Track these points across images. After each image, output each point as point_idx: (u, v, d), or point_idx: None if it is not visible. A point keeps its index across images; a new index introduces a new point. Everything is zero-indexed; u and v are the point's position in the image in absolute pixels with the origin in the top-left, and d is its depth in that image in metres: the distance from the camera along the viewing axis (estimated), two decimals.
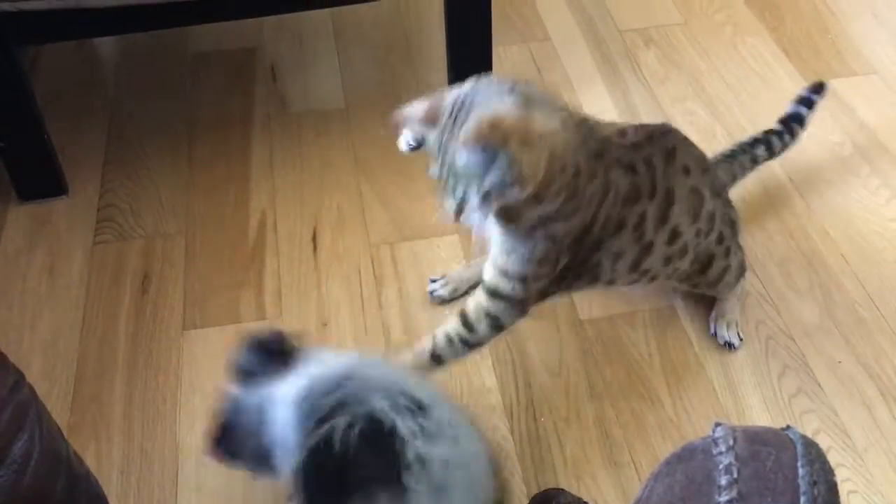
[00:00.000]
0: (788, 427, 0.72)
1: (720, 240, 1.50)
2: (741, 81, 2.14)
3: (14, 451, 0.75)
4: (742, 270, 1.61)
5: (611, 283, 1.42)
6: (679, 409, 1.50)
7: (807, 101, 1.77)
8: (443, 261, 1.76)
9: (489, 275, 1.30)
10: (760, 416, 1.49)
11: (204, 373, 1.58)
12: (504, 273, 1.28)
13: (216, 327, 1.66)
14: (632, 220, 1.31)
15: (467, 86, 1.15)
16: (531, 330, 1.62)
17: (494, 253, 1.29)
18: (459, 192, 1.14)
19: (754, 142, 1.71)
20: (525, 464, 1.43)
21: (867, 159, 1.93)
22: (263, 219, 1.87)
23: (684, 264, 1.47)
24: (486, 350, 1.59)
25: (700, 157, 1.47)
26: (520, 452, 1.45)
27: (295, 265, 1.77)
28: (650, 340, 1.61)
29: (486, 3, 1.92)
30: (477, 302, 1.32)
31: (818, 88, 1.78)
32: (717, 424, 0.70)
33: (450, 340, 1.35)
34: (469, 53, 1.95)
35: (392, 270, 1.75)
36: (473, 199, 1.13)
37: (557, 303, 1.63)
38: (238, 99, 2.17)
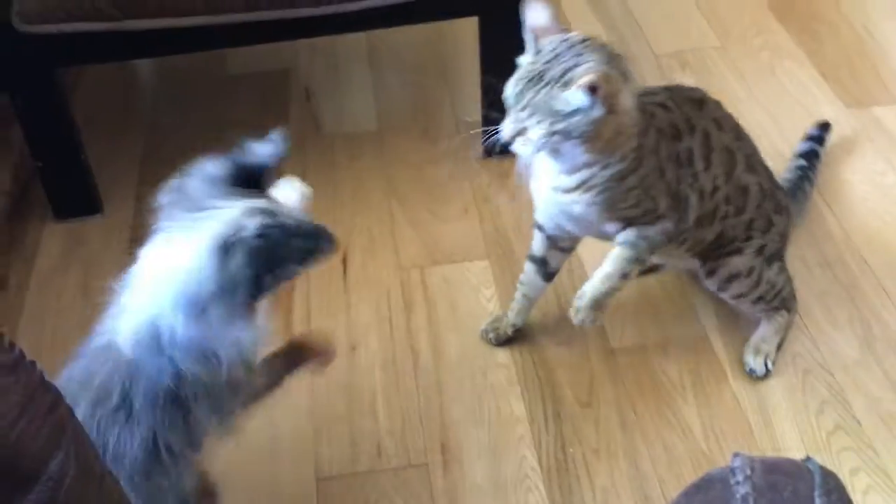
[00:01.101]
0: (808, 458, 0.71)
1: (749, 228, 1.48)
2: (779, 106, 2.10)
3: (51, 468, 0.76)
4: (783, 298, 1.57)
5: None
6: (712, 443, 1.47)
7: (817, 139, 1.76)
8: (472, 286, 1.75)
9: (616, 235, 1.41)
10: (797, 452, 1.45)
11: None
12: (621, 226, 1.40)
13: None
14: (683, 156, 1.38)
15: (580, 36, 1.27)
16: (561, 358, 1.60)
17: (596, 227, 1.42)
18: (530, 121, 1.24)
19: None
20: (553, 496, 1.40)
21: None
22: None
23: (709, 234, 1.46)
24: (514, 377, 1.57)
25: (735, 125, 1.49)
26: (547, 484, 1.42)
27: (324, 287, 1.77)
28: (683, 371, 1.58)
29: (519, 28, 1.92)
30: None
31: (825, 127, 1.79)
32: (736, 455, 0.70)
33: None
34: (504, 78, 1.94)
35: (422, 295, 1.74)
36: (541, 132, 1.23)
37: (588, 330, 1.61)
38: (272, 120, 2.17)
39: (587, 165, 1.32)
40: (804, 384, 1.55)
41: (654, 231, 1.39)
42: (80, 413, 1.00)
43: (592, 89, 1.20)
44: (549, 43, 1.26)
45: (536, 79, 1.24)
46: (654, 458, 1.44)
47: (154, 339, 1.03)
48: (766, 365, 1.56)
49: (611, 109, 1.23)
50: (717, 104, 1.49)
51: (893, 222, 1.81)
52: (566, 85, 1.21)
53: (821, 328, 1.63)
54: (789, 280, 1.58)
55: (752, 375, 1.55)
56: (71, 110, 1.85)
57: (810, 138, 1.83)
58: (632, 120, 1.30)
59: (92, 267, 1.84)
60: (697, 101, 1.46)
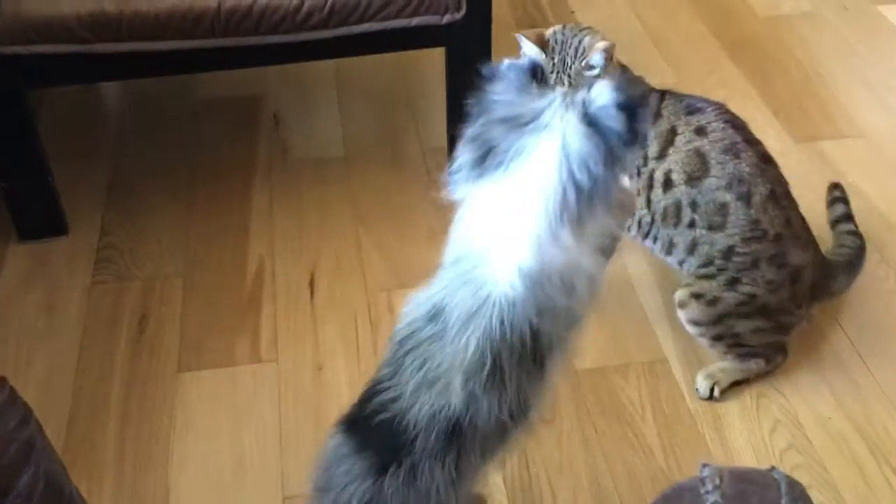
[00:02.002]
0: (773, 468, 0.74)
1: (726, 257, 1.51)
2: None
3: (20, 484, 0.76)
4: (752, 348, 1.58)
5: (648, 227, 1.60)
6: (671, 462, 1.51)
7: (840, 200, 1.79)
8: None
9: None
10: None
11: (198, 415, 1.58)
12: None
13: (211, 370, 1.66)
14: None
15: (560, 27, 1.53)
16: None
17: None
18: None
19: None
20: None
21: (858, 221, 1.96)
22: (262, 264, 1.89)
23: (679, 239, 1.55)
24: None
25: (731, 144, 1.51)
26: (512, 501, 1.45)
27: (292, 310, 1.78)
28: (643, 392, 1.62)
29: (486, 58, 1.98)
30: None
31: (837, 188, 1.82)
32: (705, 465, 0.72)
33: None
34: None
35: (389, 317, 1.76)
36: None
37: None
38: (240, 145, 2.21)
39: None
40: (758, 405, 1.60)
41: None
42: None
43: (607, 55, 1.46)
44: (550, 39, 1.51)
45: (559, 66, 1.49)
46: (616, 476, 1.48)
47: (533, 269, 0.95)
48: (711, 391, 1.59)
49: (613, 68, 1.49)
50: (724, 128, 1.54)
51: None
52: (584, 56, 1.47)
53: None
54: (772, 338, 1.59)
55: (696, 393, 1.60)
56: (37, 131, 1.85)
57: (837, 200, 1.81)
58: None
59: (56, 287, 1.83)
60: (694, 110, 1.56)
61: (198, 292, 1.82)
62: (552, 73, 1.49)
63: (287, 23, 1.78)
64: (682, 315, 1.59)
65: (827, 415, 1.58)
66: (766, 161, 1.56)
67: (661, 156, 1.55)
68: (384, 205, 2.02)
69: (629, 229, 1.64)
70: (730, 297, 1.53)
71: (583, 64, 1.48)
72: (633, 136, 0.98)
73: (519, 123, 0.98)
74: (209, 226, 1.98)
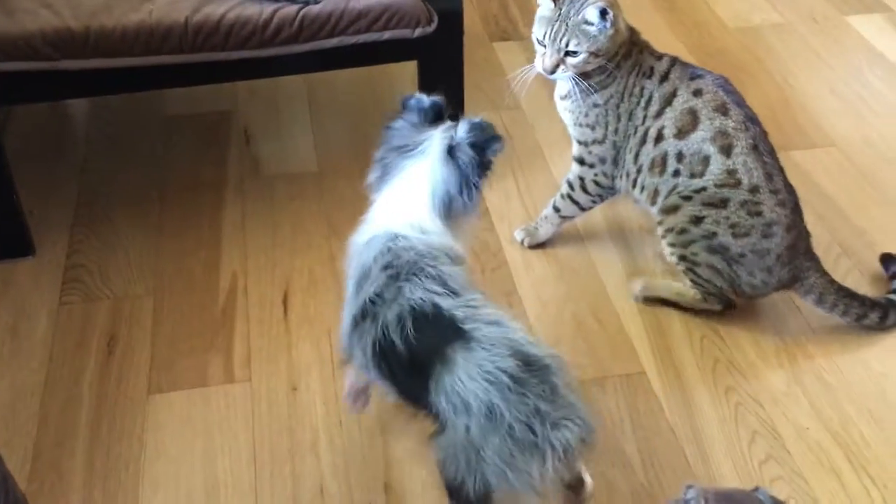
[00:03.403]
0: (757, 488, 0.74)
1: (698, 195, 1.63)
2: None
3: None
4: (702, 284, 1.71)
5: (635, 176, 1.73)
6: (651, 476, 1.50)
7: None
8: None
9: (573, 149, 1.81)
10: (731, 482, 1.48)
11: (169, 438, 1.55)
12: (577, 142, 1.79)
13: (182, 391, 1.63)
14: (644, 95, 1.68)
15: None
16: None
17: (570, 131, 1.80)
18: (573, 45, 1.64)
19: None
20: None
21: (828, 229, 1.98)
22: (234, 282, 1.86)
23: (655, 181, 1.68)
24: None
25: (721, 104, 1.64)
26: None
27: (265, 328, 1.76)
28: (621, 405, 1.61)
29: (458, 71, 1.97)
30: (571, 171, 1.83)
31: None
32: (689, 486, 0.72)
33: (556, 208, 1.87)
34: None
35: None
36: (581, 55, 1.65)
37: None
38: (211, 162, 2.18)
39: (580, 77, 1.68)
40: (736, 416, 1.59)
41: (589, 175, 1.79)
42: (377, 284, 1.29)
43: (603, 12, 1.60)
44: None
45: (563, 16, 1.64)
46: (596, 490, 1.46)
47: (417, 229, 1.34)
48: (640, 292, 1.78)
49: (613, 26, 1.63)
50: (717, 91, 1.65)
51: (821, 257, 1.89)
52: (582, 11, 1.62)
53: (749, 360, 1.69)
54: (723, 284, 1.69)
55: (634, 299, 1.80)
56: (2, 149, 1.81)
57: None
58: (621, 38, 1.67)
59: (22, 309, 1.79)
60: (696, 76, 1.67)
61: (168, 311, 1.79)
62: (556, 22, 1.65)
63: (256, 38, 1.77)
64: (659, 232, 1.75)
65: (805, 424, 1.58)
66: (752, 121, 1.66)
67: (659, 114, 1.67)
68: (357, 219, 1.98)
69: (616, 186, 1.79)
70: (695, 231, 1.66)
71: (579, 17, 1.62)
72: (482, 169, 1.36)
73: (406, 150, 1.38)
74: (180, 243, 1.94)
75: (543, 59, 1.69)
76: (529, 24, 2.65)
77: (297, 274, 1.88)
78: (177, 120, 2.31)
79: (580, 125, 1.76)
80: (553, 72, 1.69)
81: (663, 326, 1.77)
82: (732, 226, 1.64)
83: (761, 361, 1.69)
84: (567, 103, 1.77)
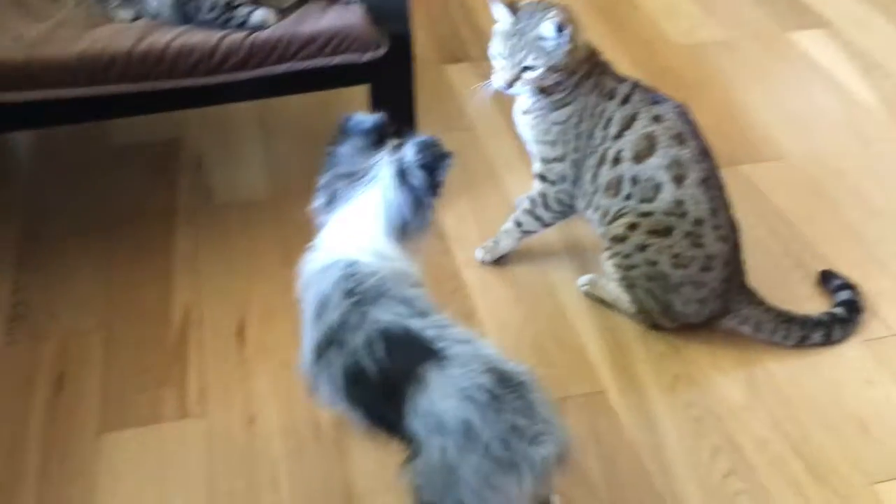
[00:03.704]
0: None
1: (635, 215, 1.65)
2: None
3: None
4: (644, 309, 1.73)
5: (590, 197, 1.74)
6: (615, 494, 1.49)
7: (849, 287, 1.81)
8: None
9: (534, 166, 1.82)
10: (695, 498, 1.49)
11: (122, 478, 1.50)
12: (539, 158, 1.80)
13: (136, 429, 1.59)
14: (605, 116, 1.69)
15: (543, 3, 1.69)
16: None
17: (531, 148, 1.81)
18: (530, 61, 1.65)
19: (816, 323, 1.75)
20: None
21: (779, 240, 2.01)
22: (187, 313, 1.82)
23: (608, 202, 1.69)
24: None
25: (678, 133, 1.65)
26: None
27: (220, 360, 1.72)
28: (583, 425, 1.61)
29: (409, 94, 1.97)
30: (533, 188, 1.83)
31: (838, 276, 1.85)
32: None
33: (518, 223, 1.89)
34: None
35: None
36: (538, 70, 1.66)
37: None
38: (162, 191, 2.14)
39: (540, 93, 1.70)
40: (697, 431, 1.60)
41: (551, 191, 1.79)
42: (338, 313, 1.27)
43: (560, 27, 1.62)
44: (522, 9, 1.67)
45: (520, 32, 1.65)
46: None
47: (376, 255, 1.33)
48: (585, 285, 1.84)
49: (571, 41, 1.65)
50: (677, 113, 1.68)
51: (766, 272, 1.92)
52: (537, 26, 1.64)
53: (707, 375, 1.70)
54: (655, 308, 1.72)
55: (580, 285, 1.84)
56: None
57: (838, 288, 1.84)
58: (581, 54, 1.69)
59: None
60: (657, 101, 1.69)
61: (119, 346, 1.74)
62: (513, 37, 1.66)
63: (203, 65, 1.74)
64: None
65: (765, 437, 1.59)
66: (706, 155, 1.68)
67: (618, 136, 1.68)
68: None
69: (576, 205, 1.80)
70: (639, 256, 1.68)
71: (536, 32, 1.64)
72: (434, 189, 1.35)
73: (355, 176, 1.36)
74: (130, 275, 1.90)
75: (501, 74, 1.70)
76: (479, 45, 2.67)
77: (253, 302, 1.84)
78: (125, 150, 2.27)
79: (541, 142, 1.77)
80: (511, 86, 1.70)
81: (622, 344, 1.77)
82: (674, 256, 1.66)
83: (720, 375, 1.70)
84: (528, 119, 1.77)
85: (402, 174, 1.34)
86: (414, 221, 1.35)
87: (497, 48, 1.70)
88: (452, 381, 1.17)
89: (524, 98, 1.76)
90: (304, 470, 1.52)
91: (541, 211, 1.84)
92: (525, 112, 1.78)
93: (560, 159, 1.76)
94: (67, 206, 2.10)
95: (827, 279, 1.86)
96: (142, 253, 1.96)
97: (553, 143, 1.75)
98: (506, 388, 1.17)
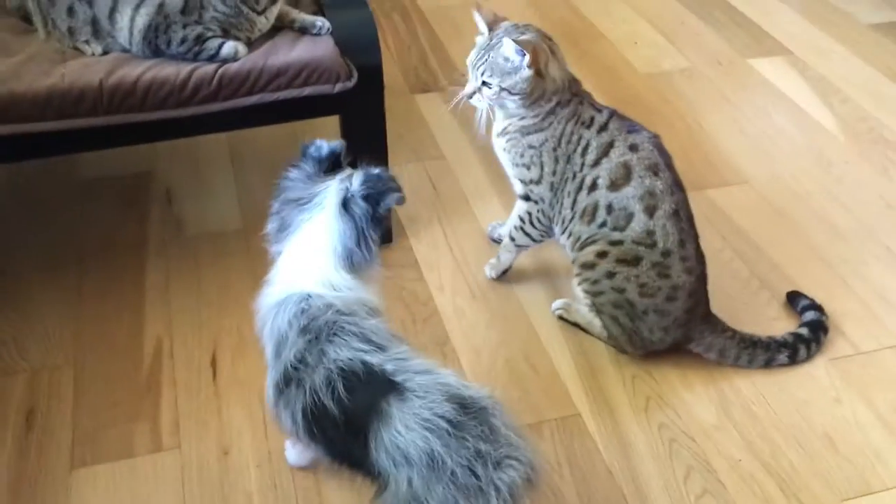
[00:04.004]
0: None
1: (605, 243, 1.68)
2: None
3: None
4: (608, 328, 1.76)
5: (567, 223, 1.76)
6: None
7: (817, 308, 1.85)
8: None
9: (516, 187, 1.84)
10: None
11: None
12: (516, 180, 1.82)
13: (108, 464, 1.57)
14: (581, 143, 1.71)
15: (520, 23, 1.74)
16: None
17: (508, 170, 1.84)
18: (486, 76, 1.69)
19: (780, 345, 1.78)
20: None
21: (746, 263, 2.05)
22: (159, 345, 1.81)
23: (582, 229, 1.71)
24: None
25: (654, 164, 1.67)
26: None
27: (193, 392, 1.71)
28: (559, 450, 1.62)
29: (380, 124, 1.99)
30: (519, 207, 1.86)
31: (806, 297, 1.89)
32: None
33: (511, 238, 1.91)
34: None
35: None
36: (495, 88, 1.69)
37: None
38: (132, 224, 2.13)
39: (512, 116, 1.73)
40: (670, 452, 1.61)
41: (535, 210, 1.81)
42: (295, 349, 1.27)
43: (522, 52, 1.63)
44: (501, 25, 1.72)
45: (488, 48, 1.69)
46: None
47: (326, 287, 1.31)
48: (560, 311, 1.87)
49: (539, 73, 1.68)
50: (651, 142, 1.69)
51: (734, 294, 1.96)
52: (500, 46, 1.66)
53: (679, 396, 1.72)
54: (621, 336, 1.75)
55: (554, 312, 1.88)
56: None
57: (807, 307, 1.87)
58: (555, 86, 1.71)
59: None
60: (633, 130, 1.71)
61: (90, 380, 1.73)
62: (482, 50, 1.71)
63: (174, 98, 1.75)
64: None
65: (737, 456, 1.61)
66: (678, 187, 1.70)
67: (596, 164, 1.70)
68: None
69: (554, 230, 1.83)
70: (607, 283, 1.71)
71: (499, 51, 1.67)
72: (377, 220, 1.34)
73: (302, 203, 1.35)
74: (100, 308, 1.88)
75: (468, 84, 1.75)
76: (449, 75, 2.71)
77: (226, 333, 1.84)
78: (95, 183, 2.26)
79: (516, 164, 1.80)
80: (471, 98, 1.75)
81: (595, 367, 1.79)
82: (641, 285, 1.68)
83: (691, 396, 1.72)
84: (503, 142, 1.80)
85: (345, 203, 1.32)
86: (358, 253, 1.33)
87: (470, 58, 1.74)
88: (414, 413, 1.17)
89: (500, 121, 1.78)
90: (279, 502, 1.51)
91: (528, 228, 1.86)
92: (499, 135, 1.80)
93: (537, 182, 1.78)
94: (36, 240, 2.08)
95: (793, 300, 1.90)
96: (112, 286, 1.94)
97: (528, 167, 1.77)
98: (467, 414, 1.17)
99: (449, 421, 1.16)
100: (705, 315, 1.75)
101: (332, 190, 1.34)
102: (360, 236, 1.32)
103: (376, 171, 1.36)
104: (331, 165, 1.38)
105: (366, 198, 1.32)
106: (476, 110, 1.78)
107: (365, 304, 1.32)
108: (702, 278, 1.73)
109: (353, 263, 1.33)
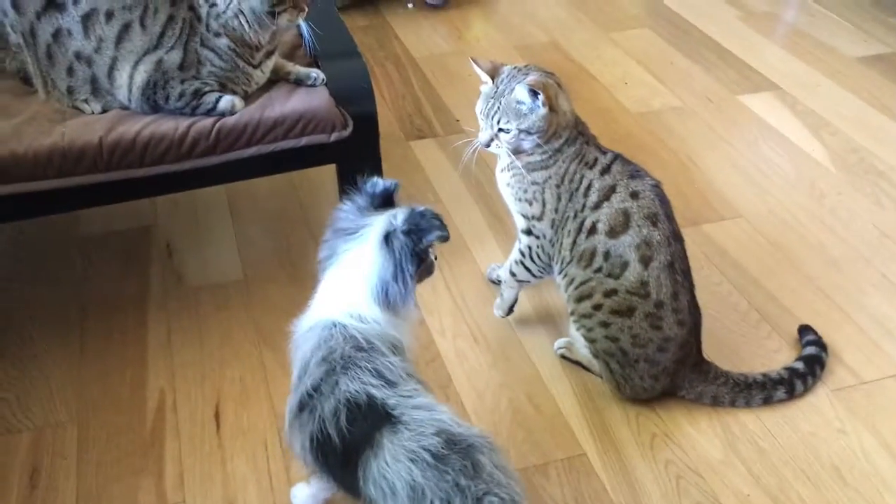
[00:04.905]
0: None
1: (608, 295, 1.68)
2: None
3: None
4: (610, 383, 1.76)
5: (565, 265, 1.77)
6: None
7: (819, 343, 1.85)
8: None
9: (518, 221, 1.84)
10: None
11: None
12: (519, 215, 1.83)
13: None
14: (584, 183, 1.72)
15: (522, 65, 1.76)
16: None
17: (511, 206, 1.85)
18: (503, 123, 1.71)
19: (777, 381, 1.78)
20: None
21: (745, 296, 2.06)
22: (162, 399, 1.80)
23: (578, 272, 1.71)
24: None
25: (653, 213, 1.67)
26: None
27: (197, 445, 1.70)
28: (566, 491, 1.61)
29: (377, 171, 2.01)
30: (521, 241, 1.86)
31: (812, 332, 1.89)
32: None
33: (511, 273, 1.91)
34: None
35: None
36: (513, 132, 1.70)
37: None
38: (133, 279, 2.14)
39: (525, 153, 1.74)
40: (678, 488, 1.61)
41: (535, 244, 1.81)
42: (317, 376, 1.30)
43: (535, 92, 1.66)
44: (503, 71, 1.75)
45: (498, 94, 1.72)
46: None
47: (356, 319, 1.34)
48: (562, 350, 1.88)
49: (552, 108, 1.69)
50: (654, 191, 1.69)
51: (734, 327, 1.96)
52: (512, 90, 1.69)
53: (685, 432, 1.72)
54: (617, 379, 1.75)
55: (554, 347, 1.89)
56: None
57: (810, 343, 1.88)
58: (566, 119, 1.73)
59: None
60: (636, 176, 1.71)
61: (94, 437, 1.72)
62: (492, 98, 1.73)
63: (173, 152, 1.77)
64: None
65: (745, 491, 1.60)
66: (676, 238, 1.70)
67: (597, 207, 1.70)
68: (287, 324, 1.94)
69: (553, 268, 1.82)
70: (600, 332, 1.72)
71: (511, 96, 1.70)
72: (416, 255, 1.35)
73: (348, 234, 1.39)
74: (103, 364, 1.89)
75: (481, 133, 1.76)
76: (443, 121, 2.74)
77: (228, 385, 1.84)
78: (95, 238, 2.27)
79: (519, 200, 1.80)
80: (489, 146, 1.76)
81: (599, 407, 1.79)
82: (634, 336, 1.69)
83: (696, 432, 1.72)
84: (506, 177, 1.81)
85: (387, 237, 1.35)
86: (393, 287, 1.34)
87: (479, 107, 1.76)
88: (402, 445, 1.20)
89: (504, 157, 1.80)
90: None
91: (529, 263, 1.86)
92: (503, 170, 1.82)
93: (538, 217, 1.78)
94: (38, 297, 2.09)
95: (802, 333, 1.90)
96: (114, 340, 1.95)
97: (530, 202, 1.78)
98: (452, 449, 1.19)
99: (432, 454, 1.17)
100: (696, 364, 1.75)
101: (377, 224, 1.37)
102: (397, 270, 1.34)
103: (421, 208, 1.38)
104: (383, 202, 1.41)
105: (407, 233, 1.34)
106: (467, 148, 1.80)
107: (388, 339, 1.33)
108: (694, 330, 1.73)
109: (388, 298, 1.35)
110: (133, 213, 2.34)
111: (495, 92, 1.73)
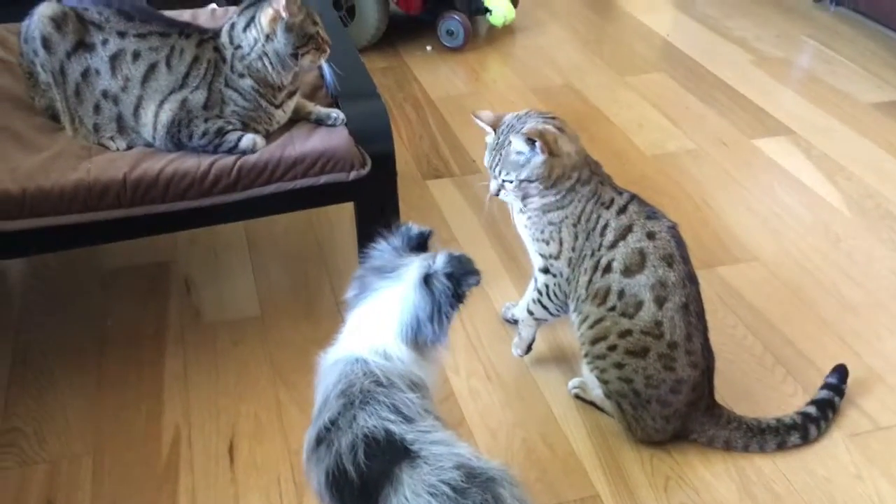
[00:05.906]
0: None
1: (622, 335, 1.69)
2: None
3: None
4: (622, 423, 1.77)
5: (579, 303, 1.77)
6: None
7: (836, 389, 1.84)
8: None
9: (536, 260, 1.86)
10: None
11: None
12: (536, 254, 1.84)
13: None
14: (601, 222, 1.73)
15: (521, 112, 1.78)
16: None
17: (528, 245, 1.86)
18: (504, 175, 1.74)
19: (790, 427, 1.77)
20: None
21: (761, 340, 2.05)
22: (177, 433, 1.81)
23: (592, 310, 1.72)
24: None
25: (669, 254, 1.68)
26: None
27: (211, 480, 1.71)
28: None
29: (394, 210, 2.04)
30: (538, 279, 1.87)
31: (843, 375, 1.87)
32: None
33: (529, 311, 1.92)
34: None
35: None
36: (514, 183, 1.72)
37: None
38: (151, 313, 2.17)
39: (536, 197, 1.75)
40: None
41: (552, 283, 1.82)
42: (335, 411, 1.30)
43: (532, 141, 1.67)
44: (504, 122, 1.77)
45: (499, 146, 1.75)
46: None
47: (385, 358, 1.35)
48: (575, 390, 1.88)
49: (553, 153, 1.70)
50: (670, 232, 1.70)
51: (749, 371, 1.96)
52: (508, 140, 1.71)
53: (699, 475, 1.71)
54: (629, 419, 1.75)
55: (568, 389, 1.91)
56: None
57: (828, 387, 1.85)
58: (571, 161, 1.73)
59: None
60: (653, 217, 1.72)
61: (109, 470, 1.73)
62: (493, 151, 1.76)
63: (195, 189, 1.81)
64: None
65: None
66: (691, 280, 1.70)
67: (613, 246, 1.71)
68: (302, 361, 1.96)
69: (568, 305, 1.83)
70: (614, 372, 1.72)
71: (510, 148, 1.71)
72: (456, 300, 1.37)
73: (384, 272, 1.40)
74: (120, 398, 1.90)
75: (490, 183, 1.79)
76: (459, 161, 2.78)
77: (243, 420, 1.85)
78: (115, 273, 2.31)
79: (536, 240, 1.81)
80: (498, 194, 1.78)
81: (613, 447, 1.78)
82: (647, 377, 1.69)
83: (711, 476, 1.71)
84: (523, 219, 1.82)
85: (426, 278, 1.36)
86: (429, 327, 1.35)
87: (486, 160, 1.80)
88: (422, 480, 1.19)
89: (516, 203, 1.81)
90: None
91: (546, 301, 1.87)
92: (520, 212, 1.83)
93: (556, 256, 1.79)
94: (58, 329, 2.12)
95: (831, 373, 1.86)
96: (131, 374, 1.97)
97: (547, 241, 1.79)
98: (472, 482, 1.19)
99: (453, 487, 1.17)
100: (708, 408, 1.75)
101: (414, 265, 1.38)
102: (435, 311, 1.35)
103: (458, 253, 1.39)
104: (417, 246, 1.44)
105: (448, 276, 1.36)
106: (486, 192, 1.83)
107: (408, 378, 1.34)
108: (707, 373, 1.73)
109: (418, 338, 1.35)
110: (153, 248, 2.37)
111: (496, 144, 1.76)
